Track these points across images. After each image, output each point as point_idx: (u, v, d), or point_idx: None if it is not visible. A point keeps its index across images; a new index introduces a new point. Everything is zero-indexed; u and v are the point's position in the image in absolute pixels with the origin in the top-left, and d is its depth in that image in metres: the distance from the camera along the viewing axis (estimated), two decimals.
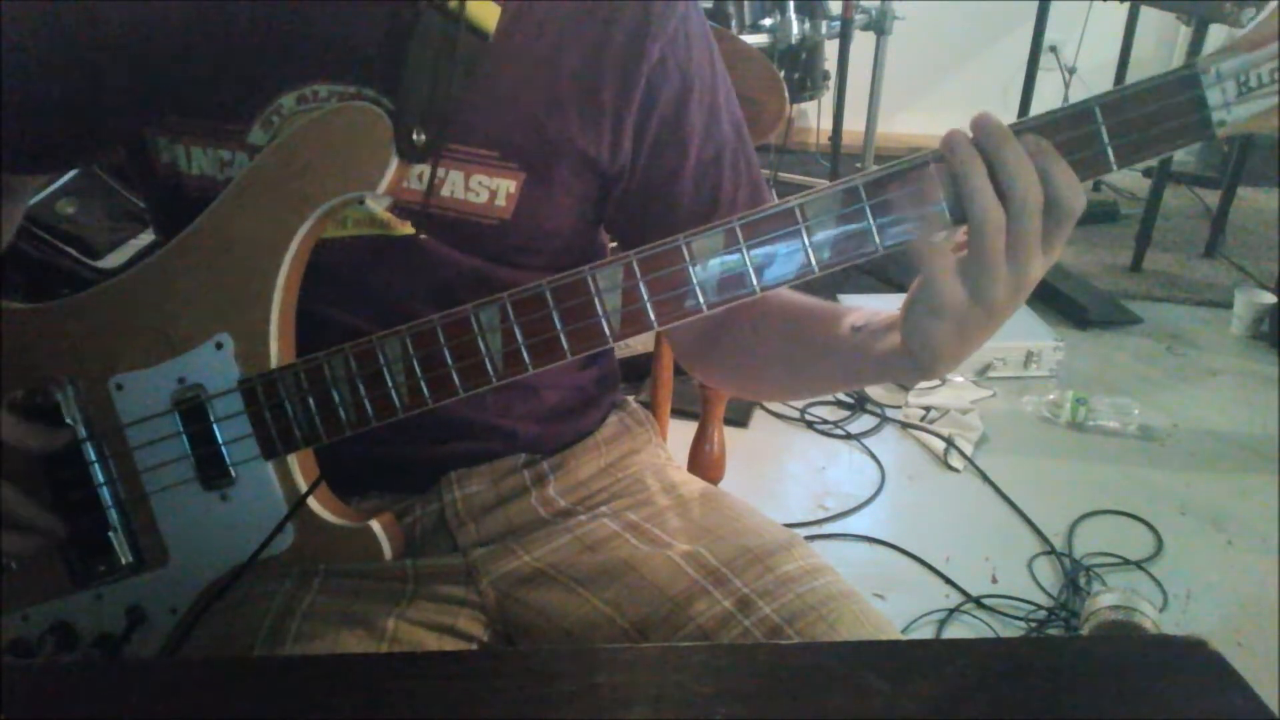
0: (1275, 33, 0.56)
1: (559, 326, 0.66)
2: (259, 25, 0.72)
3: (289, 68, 0.72)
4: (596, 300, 0.65)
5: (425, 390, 0.69)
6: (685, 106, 0.77)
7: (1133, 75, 3.22)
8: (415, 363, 0.69)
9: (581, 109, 0.75)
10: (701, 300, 0.64)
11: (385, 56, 0.71)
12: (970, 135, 0.58)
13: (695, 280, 0.64)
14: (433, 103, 0.70)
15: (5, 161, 0.76)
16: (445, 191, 0.74)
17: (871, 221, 0.61)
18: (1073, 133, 0.58)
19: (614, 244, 0.90)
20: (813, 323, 0.75)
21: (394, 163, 0.68)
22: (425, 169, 0.73)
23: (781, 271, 0.63)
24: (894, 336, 0.65)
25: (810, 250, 0.62)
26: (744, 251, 0.63)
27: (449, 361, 0.68)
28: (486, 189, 0.75)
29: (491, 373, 0.68)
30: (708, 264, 0.63)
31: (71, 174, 1.87)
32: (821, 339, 0.73)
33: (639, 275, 0.64)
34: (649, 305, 0.65)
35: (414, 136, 0.68)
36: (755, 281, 0.63)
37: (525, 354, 0.67)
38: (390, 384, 0.69)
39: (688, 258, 0.63)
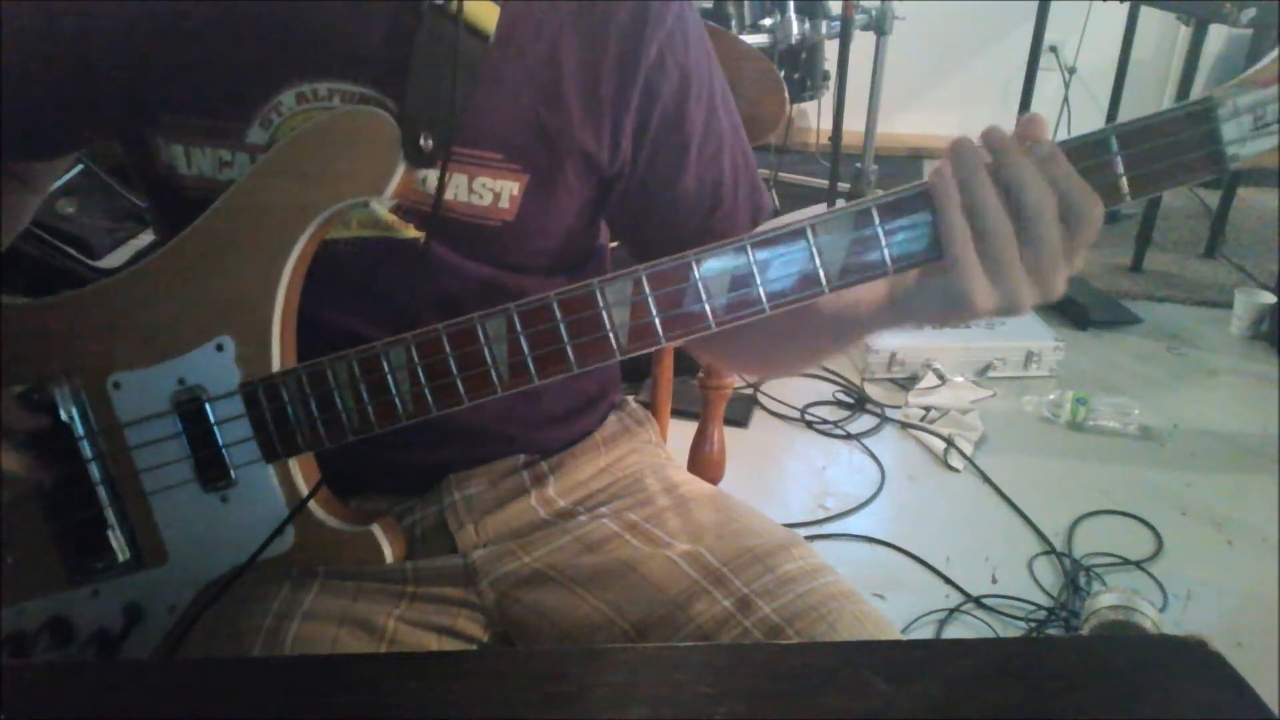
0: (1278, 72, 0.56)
1: (566, 339, 0.66)
2: (257, 21, 0.71)
3: (288, 65, 0.72)
4: (604, 314, 0.65)
5: (429, 398, 0.69)
6: (685, 104, 0.77)
7: (1133, 75, 3.21)
8: (420, 371, 0.68)
9: (582, 108, 0.75)
10: (710, 318, 0.64)
11: (387, 57, 0.70)
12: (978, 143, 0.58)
13: (704, 296, 0.63)
14: (439, 107, 0.69)
15: (5, 149, 0.76)
16: (449, 195, 0.74)
17: (884, 242, 0.61)
18: (1088, 162, 0.58)
19: (614, 244, 0.90)
20: None
21: (401, 168, 0.68)
22: (432, 174, 0.72)
23: (792, 289, 0.63)
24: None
25: (822, 270, 0.62)
26: (754, 269, 0.63)
27: (454, 370, 0.68)
28: (490, 191, 0.75)
29: (497, 383, 0.68)
30: (717, 280, 0.63)
31: (71, 174, 1.87)
32: None
33: (648, 290, 0.64)
34: (658, 321, 0.64)
35: (421, 142, 0.68)
36: (765, 299, 0.63)
37: (531, 365, 0.67)
38: (394, 391, 0.69)
39: (697, 273, 0.63)
